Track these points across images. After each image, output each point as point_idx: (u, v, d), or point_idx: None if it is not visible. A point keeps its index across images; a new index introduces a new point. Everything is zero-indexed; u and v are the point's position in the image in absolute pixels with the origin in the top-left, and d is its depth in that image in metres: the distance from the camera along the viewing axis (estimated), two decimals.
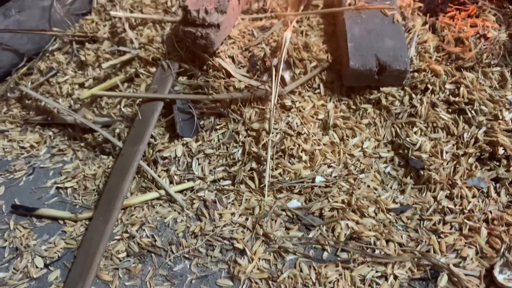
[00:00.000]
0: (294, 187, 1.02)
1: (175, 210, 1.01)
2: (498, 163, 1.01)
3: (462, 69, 1.13)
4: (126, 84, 1.25)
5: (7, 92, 1.36)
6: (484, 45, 1.15)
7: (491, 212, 0.93)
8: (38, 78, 1.36)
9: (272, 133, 1.07)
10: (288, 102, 1.14)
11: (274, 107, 1.07)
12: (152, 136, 1.12)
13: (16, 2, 1.38)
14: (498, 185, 0.99)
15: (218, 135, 1.12)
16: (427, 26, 1.26)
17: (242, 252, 0.92)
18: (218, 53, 1.19)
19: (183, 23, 1.15)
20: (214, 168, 1.08)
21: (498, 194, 0.97)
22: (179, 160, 1.09)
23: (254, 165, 1.06)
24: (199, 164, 1.09)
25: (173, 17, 1.32)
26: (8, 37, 1.33)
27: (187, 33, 1.13)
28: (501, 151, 1.00)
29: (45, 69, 1.36)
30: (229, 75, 1.16)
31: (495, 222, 0.91)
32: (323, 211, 0.96)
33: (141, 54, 1.24)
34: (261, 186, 1.02)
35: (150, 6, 1.37)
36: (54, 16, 1.39)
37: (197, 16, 1.11)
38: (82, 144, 1.23)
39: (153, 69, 1.24)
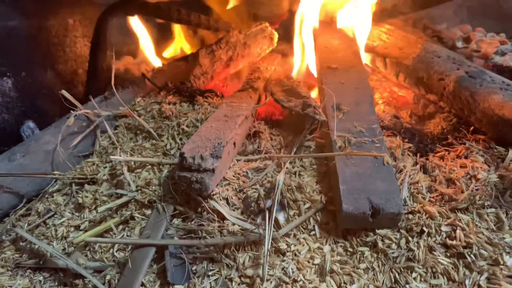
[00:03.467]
0: None
1: None
2: None
3: (456, 211, 1.13)
4: (121, 227, 1.25)
5: (2, 234, 1.36)
6: (475, 187, 1.17)
7: None
8: (35, 220, 1.36)
9: (267, 280, 1.03)
10: (283, 246, 1.12)
11: (268, 253, 1.05)
12: (142, 284, 1.09)
13: (21, 147, 1.44)
14: None
15: (210, 282, 1.08)
16: (418, 166, 1.29)
17: None
18: (213, 195, 1.20)
19: (179, 168, 1.18)
20: None
21: None
22: None
23: None
24: None
25: (172, 159, 1.36)
26: (10, 180, 1.36)
27: (182, 178, 1.16)
28: None
29: (43, 211, 1.37)
30: (223, 217, 1.16)
31: None
32: None
33: (137, 197, 1.26)
34: None
35: (150, 149, 1.43)
36: (57, 159, 1.44)
37: (192, 162, 1.15)
38: None
39: (148, 212, 1.24)
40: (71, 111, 1.49)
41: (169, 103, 1.59)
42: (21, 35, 1.76)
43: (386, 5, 1.78)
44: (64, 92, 1.51)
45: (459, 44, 1.89)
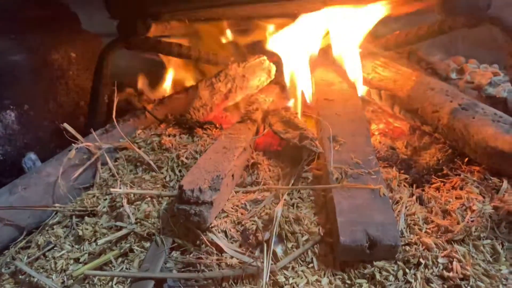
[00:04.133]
0: None
1: None
2: None
3: (452, 242, 1.14)
4: (120, 259, 1.25)
5: (1, 267, 1.36)
6: (471, 218, 1.18)
7: None
8: (35, 252, 1.37)
9: None
10: (281, 279, 1.12)
11: (266, 286, 1.05)
12: None
13: (23, 179, 1.46)
14: None
15: None
16: (414, 197, 1.30)
17: None
18: (212, 228, 1.22)
19: (178, 201, 1.20)
20: None
21: None
22: None
23: None
24: None
25: (171, 191, 1.38)
26: (11, 213, 1.38)
27: (181, 211, 1.17)
28: None
29: (43, 243, 1.38)
30: (221, 250, 1.17)
31: None
32: None
33: (136, 230, 1.27)
34: None
35: (149, 181, 1.45)
36: (58, 192, 1.46)
37: (191, 195, 1.17)
38: None
39: (147, 244, 1.25)
40: (73, 144, 1.52)
41: (169, 135, 1.62)
42: (25, 69, 1.80)
43: (380, 39, 1.83)
44: (66, 125, 1.54)
45: (453, 75, 1.94)
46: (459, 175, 1.34)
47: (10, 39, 1.79)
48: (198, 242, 1.20)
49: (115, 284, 1.20)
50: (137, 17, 1.57)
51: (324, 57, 1.92)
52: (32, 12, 1.93)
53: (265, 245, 1.13)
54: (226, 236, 1.21)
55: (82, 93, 1.99)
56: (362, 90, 1.74)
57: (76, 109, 1.97)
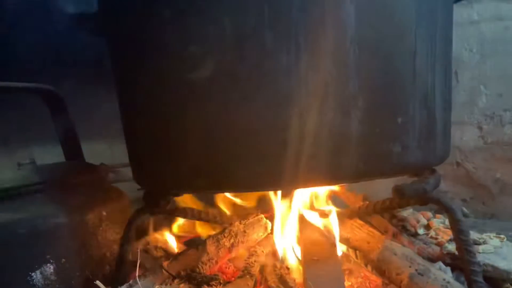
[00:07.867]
0: None
1: None
2: None
3: None
4: None
5: None
6: None
7: None
8: None
9: None
10: None
11: None
12: None
13: None
14: None
15: None
16: None
17: None
18: None
19: None
20: None
21: None
22: None
23: None
24: None
25: None
26: None
27: None
28: None
29: None
30: None
31: None
32: None
33: None
34: None
35: None
36: None
37: None
38: None
39: None
40: None
41: None
42: (65, 228, 2.18)
43: (352, 207, 2.23)
44: (98, 283, 1.88)
45: (421, 231, 2.28)
46: None
47: (54, 204, 2.21)
48: None
49: None
50: (159, 195, 2.00)
51: (309, 215, 2.30)
52: (73, 178, 2.39)
53: None
54: None
55: (109, 245, 2.35)
56: (341, 248, 2.09)
57: (103, 259, 2.32)
